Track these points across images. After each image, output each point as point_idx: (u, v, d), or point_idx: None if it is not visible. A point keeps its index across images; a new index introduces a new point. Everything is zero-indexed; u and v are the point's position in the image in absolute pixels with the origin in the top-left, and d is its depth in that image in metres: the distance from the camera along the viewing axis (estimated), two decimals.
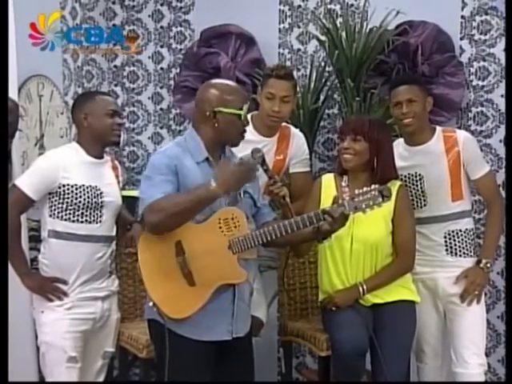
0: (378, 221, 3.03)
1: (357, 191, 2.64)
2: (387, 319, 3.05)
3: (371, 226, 3.02)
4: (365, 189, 2.62)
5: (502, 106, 3.80)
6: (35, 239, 3.24)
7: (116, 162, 3.19)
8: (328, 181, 3.17)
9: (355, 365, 2.95)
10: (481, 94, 3.89)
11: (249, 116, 2.93)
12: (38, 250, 3.05)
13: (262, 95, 3.25)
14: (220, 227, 2.58)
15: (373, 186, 2.63)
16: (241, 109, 2.63)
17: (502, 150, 3.80)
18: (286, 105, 3.23)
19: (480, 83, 3.89)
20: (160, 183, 2.53)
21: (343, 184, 3.12)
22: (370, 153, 3.04)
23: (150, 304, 2.57)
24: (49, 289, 2.90)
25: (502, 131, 3.81)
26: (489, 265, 3.22)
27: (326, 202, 2.98)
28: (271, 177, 2.80)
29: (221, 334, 2.61)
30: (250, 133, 2.98)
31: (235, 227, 2.59)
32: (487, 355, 3.85)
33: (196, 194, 2.50)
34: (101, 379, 3.12)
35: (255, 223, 2.74)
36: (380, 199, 2.60)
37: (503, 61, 3.77)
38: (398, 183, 3.11)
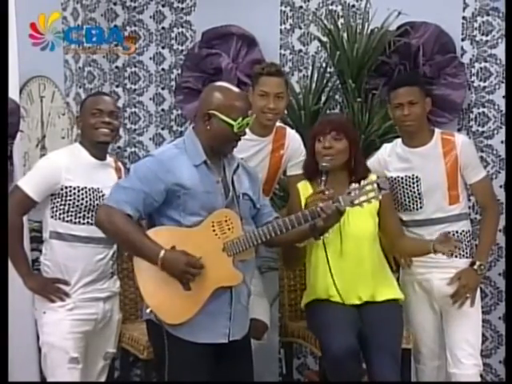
0: (364, 216, 3.01)
1: (353, 185, 2.63)
2: (377, 318, 3.01)
3: (359, 222, 3.01)
4: (362, 183, 2.63)
5: (504, 107, 3.79)
6: (36, 240, 3.24)
7: (119, 163, 3.17)
8: (304, 188, 3.12)
9: (347, 365, 2.88)
10: (482, 94, 3.89)
11: None
12: (40, 251, 3.05)
13: (254, 94, 3.20)
14: (214, 230, 2.56)
15: (369, 180, 2.63)
16: (235, 120, 2.56)
17: (503, 151, 3.79)
18: (280, 101, 3.20)
19: (481, 84, 3.89)
20: (133, 192, 2.53)
21: (321, 187, 2.89)
22: (349, 151, 3.03)
23: (148, 310, 2.56)
24: (51, 290, 2.90)
25: (503, 132, 3.80)
26: (482, 267, 3.21)
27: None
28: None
29: (217, 337, 2.59)
30: None
31: (229, 229, 2.57)
32: (488, 356, 3.88)
33: (146, 245, 2.50)
34: (102, 380, 3.11)
35: (256, 224, 2.71)
36: (378, 192, 2.60)
37: (504, 62, 3.77)
38: (375, 176, 3.04)
